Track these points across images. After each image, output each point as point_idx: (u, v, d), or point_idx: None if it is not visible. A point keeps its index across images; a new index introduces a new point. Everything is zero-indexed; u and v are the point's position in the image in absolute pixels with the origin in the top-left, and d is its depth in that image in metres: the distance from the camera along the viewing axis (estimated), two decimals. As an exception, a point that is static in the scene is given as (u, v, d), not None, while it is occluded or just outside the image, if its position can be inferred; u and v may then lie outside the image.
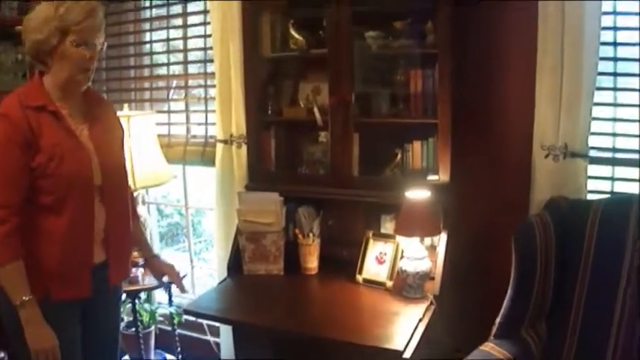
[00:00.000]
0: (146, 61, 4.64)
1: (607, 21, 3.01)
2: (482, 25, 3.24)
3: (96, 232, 2.49)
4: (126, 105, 3.94)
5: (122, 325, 4.05)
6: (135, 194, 3.19)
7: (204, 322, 4.15)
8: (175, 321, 4.14)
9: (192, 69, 4.40)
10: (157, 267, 2.94)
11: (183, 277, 3.22)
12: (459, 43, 3.11)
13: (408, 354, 2.45)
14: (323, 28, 3.32)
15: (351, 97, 3.23)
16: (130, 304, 3.91)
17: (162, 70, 4.59)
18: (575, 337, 2.72)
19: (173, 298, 4.06)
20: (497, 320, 2.78)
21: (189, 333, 4.40)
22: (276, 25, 3.56)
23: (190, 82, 4.40)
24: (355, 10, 3.16)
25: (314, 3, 3.28)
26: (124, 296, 3.31)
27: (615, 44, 3.08)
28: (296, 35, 3.46)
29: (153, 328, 4.39)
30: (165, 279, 2.97)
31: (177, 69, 4.50)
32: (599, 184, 3.16)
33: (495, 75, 3.28)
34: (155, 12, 4.53)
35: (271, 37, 3.56)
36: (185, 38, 4.35)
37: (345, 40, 3.20)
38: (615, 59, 3.09)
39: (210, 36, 3.85)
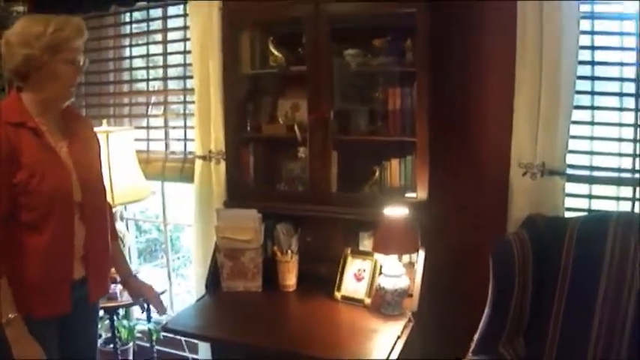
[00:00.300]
0: (125, 76, 4.62)
1: (585, 40, 3.05)
2: (461, 42, 3.28)
3: (76, 249, 2.47)
4: (105, 120, 3.93)
5: (100, 341, 4.04)
6: (113, 210, 3.17)
7: (183, 339, 4.12)
8: (154, 337, 4.12)
9: (172, 85, 4.39)
10: (134, 288, 2.90)
11: (161, 293, 3.19)
12: (437, 61, 3.12)
13: (386, 371, 2.46)
14: (302, 46, 3.33)
15: (329, 114, 3.23)
16: (108, 321, 3.88)
17: (142, 86, 4.57)
18: (554, 353, 2.73)
19: (152, 315, 4.02)
20: (475, 336, 2.79)
21: (167, 349, 4.37)
22: (255, 42, 3.57)
23: (170, 98, 4.39)
24: (334, 27, 3.17)
25: (293, 20, 3.29)
26: (101, 312, 3.29)
27: (593, 63, 3.12)
28: (275, 52, 3.46)
29: (131, 344, 4.36)
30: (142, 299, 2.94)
31: (156, 85, 4.49)
32: (576, 201, 3.18)
33: (474, 92, 3.30)
34: (135, 27, 4.53)
35: (251, 54, 3.57)
36: (165, 54, 4.35)
37: (324, 57, 3.20)
38: (593, 78, 3.13)
39: (189, 52, 3.85)
